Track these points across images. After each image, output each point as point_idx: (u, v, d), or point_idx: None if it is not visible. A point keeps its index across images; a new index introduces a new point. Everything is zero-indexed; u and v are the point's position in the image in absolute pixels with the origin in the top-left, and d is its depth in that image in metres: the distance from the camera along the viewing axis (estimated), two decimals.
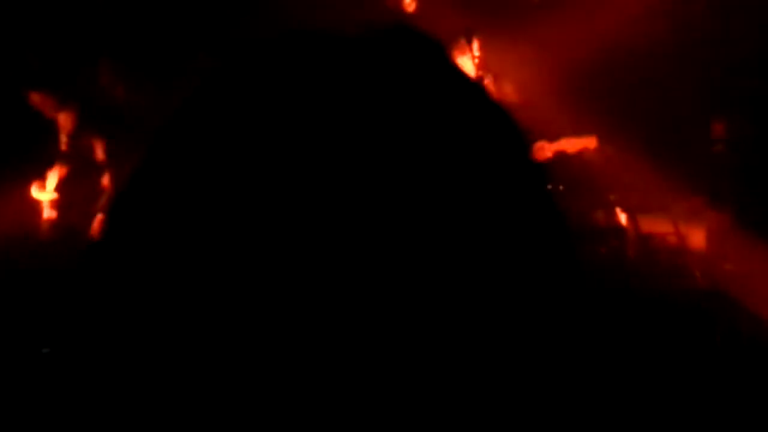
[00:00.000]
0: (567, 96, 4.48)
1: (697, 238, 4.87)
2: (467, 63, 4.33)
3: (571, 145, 4.40)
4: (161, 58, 5.16)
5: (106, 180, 4.63)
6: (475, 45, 4.31)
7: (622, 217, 4.87)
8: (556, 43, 4.86)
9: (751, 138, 4.81)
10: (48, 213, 4.63)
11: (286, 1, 5.24)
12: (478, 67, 4.29)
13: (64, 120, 4.57)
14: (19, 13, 5.02)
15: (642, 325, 3.93)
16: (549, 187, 0.45)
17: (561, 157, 4.44)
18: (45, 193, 4.63)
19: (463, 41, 4.31)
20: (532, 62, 4.84)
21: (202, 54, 5.14)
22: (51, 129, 4.66)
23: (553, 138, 4.42)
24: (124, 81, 4.94)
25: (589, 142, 4.42)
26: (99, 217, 4.25)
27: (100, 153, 4.69)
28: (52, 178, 4.64)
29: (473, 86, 0.46)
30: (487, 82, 4.52)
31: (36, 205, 4.66)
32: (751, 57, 4.76)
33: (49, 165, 4.66)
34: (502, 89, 4.66)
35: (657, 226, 4.88)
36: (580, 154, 4.93)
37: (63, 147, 4.63)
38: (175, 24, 5.15)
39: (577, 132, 4.63)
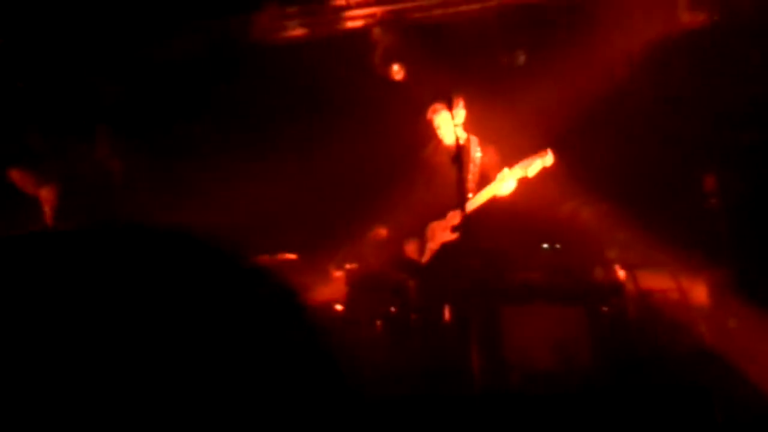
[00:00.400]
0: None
1: (699, 293, 4.78)
2: (449, 125, 4.35)
3: (528, 166, 4.33)
4: (157, 131, 5.25)
5: None
6: (457, 108, 4.32)
7: (622, 274, 4.81)
8: (544, 105, 4.89)
9: (743, 191, 4.78)
10: None
11: (281, 74, 5.34)
12: (459, 130, 4.28)
13: (47, 194, 4.63)
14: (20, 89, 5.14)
15: (645, 385, 3.84)
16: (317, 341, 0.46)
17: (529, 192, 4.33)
18: None
19: (444, 105, 4.34)
20: (518, 124, 4.86)
21: (197, 127, 5.22)
22: (35, 201, 4.71)
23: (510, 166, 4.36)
24: (120, 153, 5.01)
25: (546, 159, 4.34)
26: None
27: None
28: None
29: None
30: (468, 144, 4.54)
31: None
32: (734, 112, 4.77)
33: None
34: (485, 151, 4.67)
35: (657, 281, 4.81)
36: (574, 212, 4.91)
37: (48, 220, 4.67)
38: (169, 95, 5.25)
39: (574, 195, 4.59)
